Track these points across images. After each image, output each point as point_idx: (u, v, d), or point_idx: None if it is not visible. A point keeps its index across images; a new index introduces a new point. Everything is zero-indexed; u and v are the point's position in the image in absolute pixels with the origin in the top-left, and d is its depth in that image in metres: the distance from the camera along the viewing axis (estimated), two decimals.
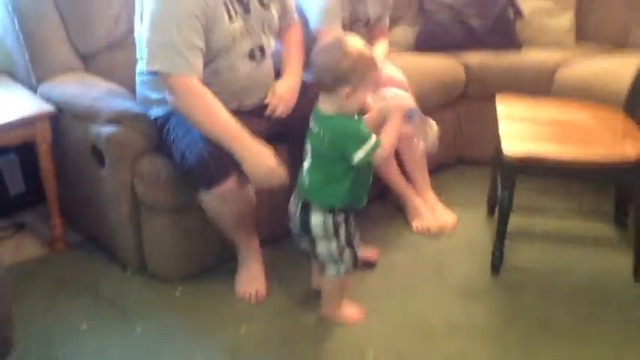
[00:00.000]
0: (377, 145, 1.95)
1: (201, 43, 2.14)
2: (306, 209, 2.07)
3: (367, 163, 1.98)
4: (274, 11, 2.36)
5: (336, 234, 2.06)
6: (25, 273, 2.43)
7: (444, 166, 3.16)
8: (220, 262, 2.44)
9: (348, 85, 1.93)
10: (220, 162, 2.10)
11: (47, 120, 2.40)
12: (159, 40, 2.12)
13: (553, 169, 2.30)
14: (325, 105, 2.00)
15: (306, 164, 2.07)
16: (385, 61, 2.80)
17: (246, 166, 2.11)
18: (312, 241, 2.10)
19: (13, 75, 2.69)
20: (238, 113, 2.20)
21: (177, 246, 2.39)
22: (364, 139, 1.94)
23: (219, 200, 2.15)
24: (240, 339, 2.15)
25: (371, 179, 2.10)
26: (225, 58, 2.25)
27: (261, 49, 2.33)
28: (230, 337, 2.16)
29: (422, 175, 2.84)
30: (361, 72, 1.94)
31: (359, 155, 1.94)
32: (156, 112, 2.32)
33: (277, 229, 2.49)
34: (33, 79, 2.56)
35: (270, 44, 2.38)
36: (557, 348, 2.11)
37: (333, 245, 2.08)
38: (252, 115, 2.29)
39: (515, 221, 2.46)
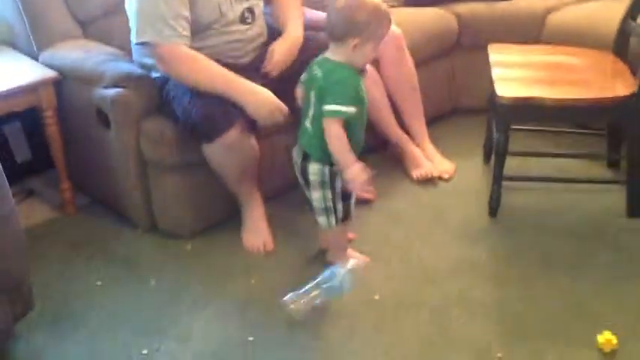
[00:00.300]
0: (345, 114, 2.00)
1: (187, 13, 2.20)
2: (306, 160, 2.14)
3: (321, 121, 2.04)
4: None
5: (332, 185, 2.13)
6: (38, 236, 2.50)
7: (440, 117, 3.21)
8: (228, 217, 2.50)
9: (358, 37, 1.98)
10: (224, 112, 2.17)
11: (51, 85, 2.45)
12: (146, 12, 2.18)
13: (547, 110, 2.36)
14: (334, 55, 2.06)
15: (309, 115, 2.12)
16: None
17: (250, 109, 2.19)
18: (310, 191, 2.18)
19: (14, 45, 2.73)
20: (234, 68, 2.26)
21: (186, 203, 2.46)
22: (346, 100, 2.00)
23: (225, 150, 2.21)
24: (252, 290, 2.23)
25: (361, 138, 2.15)
26: (217, 27, 2.31)
27: (251, 11, 2.38)
28: (241, 289, 2.24)
29: (420, 127, 2.89)
30: (373, 26, 1.99)
31: (330, 107, 2.00)
32: (154, 74, 2.37)
33: (280, 185, 2.58)
34: (34, 47, 2.60)
35: (259, 4, 2.43)
36: (554, 282, 2.20)
37: (328, 195, 2.14)
38: (248, 70, 2.34)
39: (511, 165, 2.52)
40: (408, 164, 2.83)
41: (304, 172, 2.15)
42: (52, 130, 2.51)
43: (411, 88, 2.81)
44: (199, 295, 2.22)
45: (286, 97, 2.25)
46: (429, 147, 2.89)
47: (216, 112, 2.17)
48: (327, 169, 2.11)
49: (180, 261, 2.39)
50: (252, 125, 2.24)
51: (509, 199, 2.57)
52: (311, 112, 2.10)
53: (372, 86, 2.51)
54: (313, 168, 2.12)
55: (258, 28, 2.43)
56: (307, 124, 2.12)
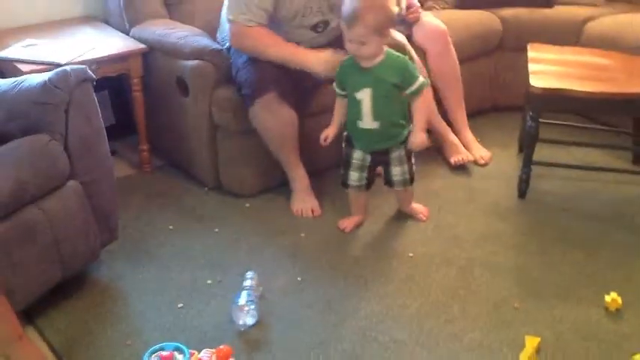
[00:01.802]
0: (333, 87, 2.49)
1: (270, 7, 2.55)
2: None
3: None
4: None
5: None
6: (118, 188, 2.84)
7: (480, 112, 3.46)
8: (283, 182, 2.80)
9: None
10: (262, 78, 2.54)
11: (139, 56, 2.83)
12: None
13: (574, 102, 2.60)
14: None
15: None
16: (428, 13, 3.14)
17: (311, 66, 2.54)
18: None
19: (108, 22, 3.14)
20: None
21: (247, 166, 2.79)
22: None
23: (263, 112, 2.56)
24: (300, 243, 2.55)
25: (360, 123, 2.45)
26: (290, 26, 2.64)
27: (325, 23, 2.69)
28: (292, 240, 2.56)
29: (461, 115, 3.14)
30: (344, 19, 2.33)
31: None
32: (226, 44, 2.72)
33: (329, 161, 2.86)
34: (126, 24, 2.98)
35: (335, 20, 2.67)
36: (570, 254, 2.45)
37: None
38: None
39: (541, 154, 2.79)
40: (447, 151, 3.08)
41: None
42: (137, 95, 2.89)
43: (455, 79, 3.07)
44: (255, 243, 2.54)
45: None
46: (468, 134, 3.14)
47: (256, 78, 2.55)
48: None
49: (240, 215, 2.72)
50: (289, 95, 2.56)
51: (538, 184, 2.83)
52: None
53: None
54: None
55: (326, 38, 2.73)
56: None
